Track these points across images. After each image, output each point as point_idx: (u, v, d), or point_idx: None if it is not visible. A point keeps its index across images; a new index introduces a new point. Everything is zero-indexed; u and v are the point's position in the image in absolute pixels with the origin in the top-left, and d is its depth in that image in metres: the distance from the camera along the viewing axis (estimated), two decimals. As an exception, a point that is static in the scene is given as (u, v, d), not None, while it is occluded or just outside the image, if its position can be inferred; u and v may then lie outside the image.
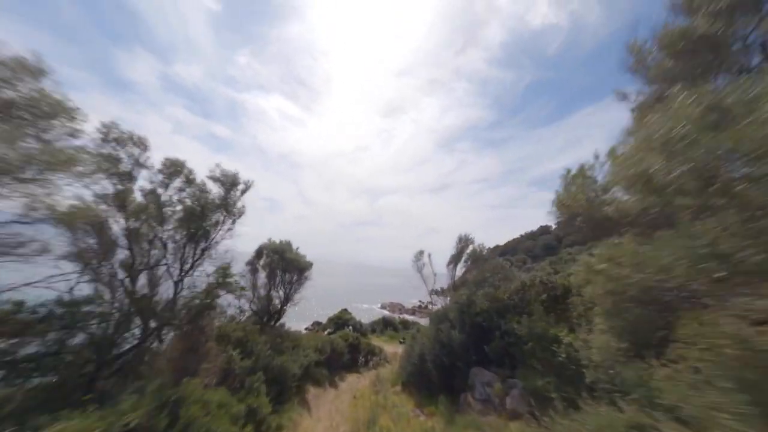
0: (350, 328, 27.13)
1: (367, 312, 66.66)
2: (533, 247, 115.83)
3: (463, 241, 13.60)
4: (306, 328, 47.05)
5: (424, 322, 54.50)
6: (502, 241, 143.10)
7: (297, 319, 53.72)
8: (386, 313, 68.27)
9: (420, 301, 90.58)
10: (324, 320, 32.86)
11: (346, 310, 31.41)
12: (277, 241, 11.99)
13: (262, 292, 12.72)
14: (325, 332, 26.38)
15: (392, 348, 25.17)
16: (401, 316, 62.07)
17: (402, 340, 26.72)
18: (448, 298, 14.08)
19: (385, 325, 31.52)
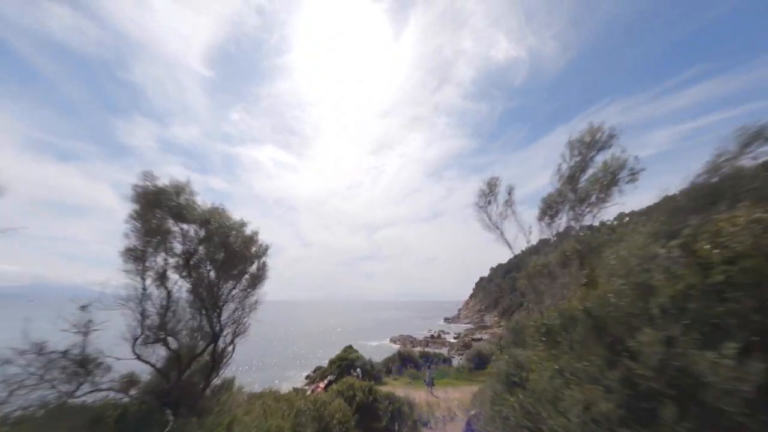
0: (358, 372, 19.28)
1: (377, 350, 57.08)
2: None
3: (592, 138, 5.38)
4: (307, 376, 37.88)
5: (444, 350, 45.32)
6: (504, 260, 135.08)
7: (295, 367, 44.29)
8: (397, 347, 58.71)
9: (429, 330, 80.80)
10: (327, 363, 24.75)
11: (351, 347, 23.50)
12: (169, 186, 4.99)
13: (166, 312, 5.71)
14: (326, 381, 18.50)
15: (419, 393, 17.23)
16: (414, 349, 52.85)
17: (428, 380, 18.85)
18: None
19: (402, 362, 23.50)
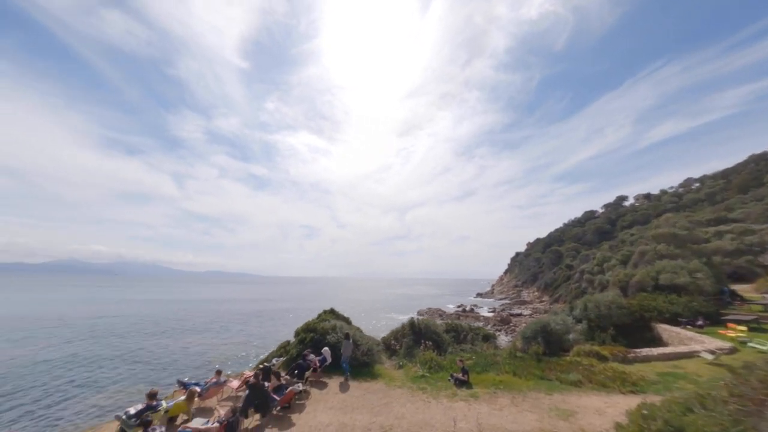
0: (320, 356, 9.66)
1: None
2: (583, 233, 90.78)
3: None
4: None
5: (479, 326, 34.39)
6: (542, 234, 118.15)
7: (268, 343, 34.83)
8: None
9: (460, 305, 69.77)
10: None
11: (332, 311, 13.96)
12: None
13: None
14: (255, 371, 9.14)
15: (441, 411, 7.26)
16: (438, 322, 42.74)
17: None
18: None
19: (415, 338, 13.49)
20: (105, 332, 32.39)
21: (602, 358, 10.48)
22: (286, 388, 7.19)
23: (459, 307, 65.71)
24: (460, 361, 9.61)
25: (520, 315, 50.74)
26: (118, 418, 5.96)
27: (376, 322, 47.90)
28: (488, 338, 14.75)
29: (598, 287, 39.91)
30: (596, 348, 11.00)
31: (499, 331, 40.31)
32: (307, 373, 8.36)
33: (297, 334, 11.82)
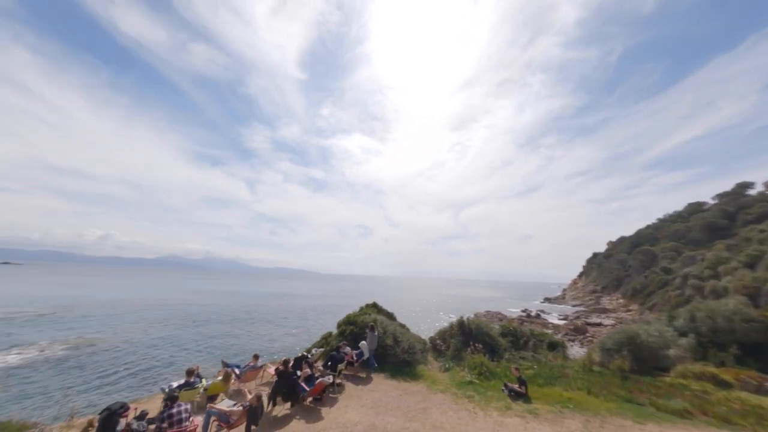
0: (357, 350, 9.19)
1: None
2: (686, 230, 74.89)
3: None
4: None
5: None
6: (628, 231, 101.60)
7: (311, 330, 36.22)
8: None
9: (524, 310, 63.44)
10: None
11: (375, 305, 13.51)
12: None
13: None
14: (286, 359, 9.09)
15: (486, 425, 5.96)
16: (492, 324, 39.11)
17: (508, 390, 7.23)
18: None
19: (465, 339, 12.13)
20: (192, 318, 37.80)
21: (722, 384, 7.86)
22: (317, 379, 6.91)
23: (523, 311, 60.01)
24: (516, 369, 8.17)
25: (599, 324, 43.84)
26: (162, 390, 6.41)
27: (428, 321, 46.49)
28: (555, 346, 12.59)
29: (710, 295, 32.03)
30: (712, 370, 8.35)
31: (572, 341, 35.36)
32: (341, 366, 8.00)
33: (338, 326, 11.67)
